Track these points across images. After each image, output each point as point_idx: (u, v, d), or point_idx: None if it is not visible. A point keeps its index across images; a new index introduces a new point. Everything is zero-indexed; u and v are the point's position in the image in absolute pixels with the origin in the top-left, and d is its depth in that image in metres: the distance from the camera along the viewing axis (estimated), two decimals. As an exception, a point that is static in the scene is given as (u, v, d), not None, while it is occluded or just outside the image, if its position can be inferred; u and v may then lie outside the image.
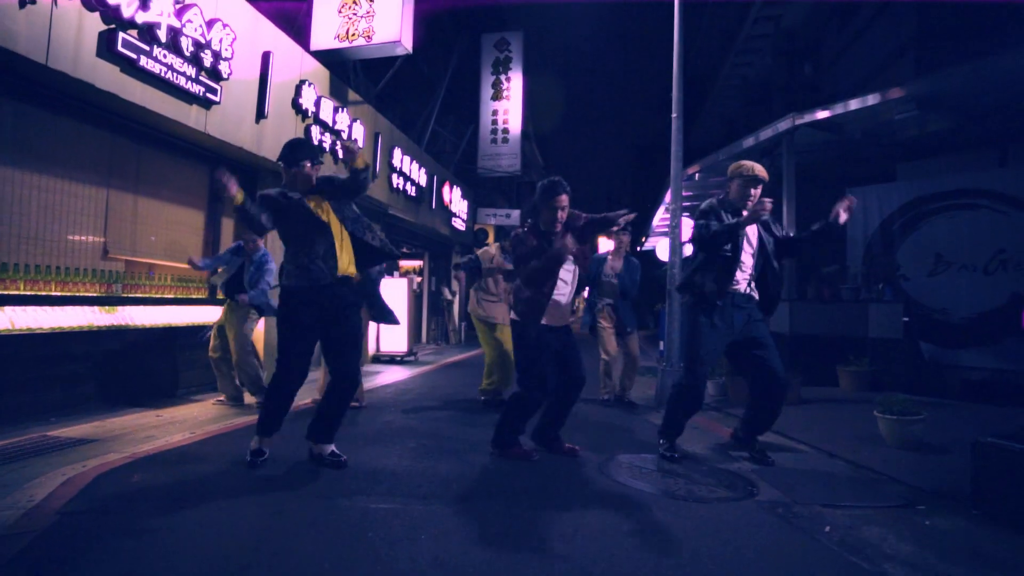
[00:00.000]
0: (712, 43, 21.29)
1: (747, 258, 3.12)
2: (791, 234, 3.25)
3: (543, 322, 3.04)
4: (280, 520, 2.17)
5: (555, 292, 3.05)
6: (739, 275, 3.09)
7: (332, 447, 2.92)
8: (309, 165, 2.84)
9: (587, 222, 3.08)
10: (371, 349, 8.29)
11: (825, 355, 6.02)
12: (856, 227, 7.12)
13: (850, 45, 10.91)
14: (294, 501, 2.38)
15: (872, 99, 5.64)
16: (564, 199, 2.98)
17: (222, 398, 4.68)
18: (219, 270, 4.81)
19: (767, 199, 3.00)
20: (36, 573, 1.71)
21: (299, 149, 2.89)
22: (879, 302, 6.18)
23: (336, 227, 2.89)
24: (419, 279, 11.57)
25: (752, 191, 3.06)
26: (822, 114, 6.17)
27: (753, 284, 3.17)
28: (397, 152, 8.69)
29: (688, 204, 11.72)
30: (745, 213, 3.04)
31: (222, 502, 2.33)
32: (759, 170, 3.07)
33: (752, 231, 3.13)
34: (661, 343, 7.59)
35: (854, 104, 5.82)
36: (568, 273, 3.12)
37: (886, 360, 5.87)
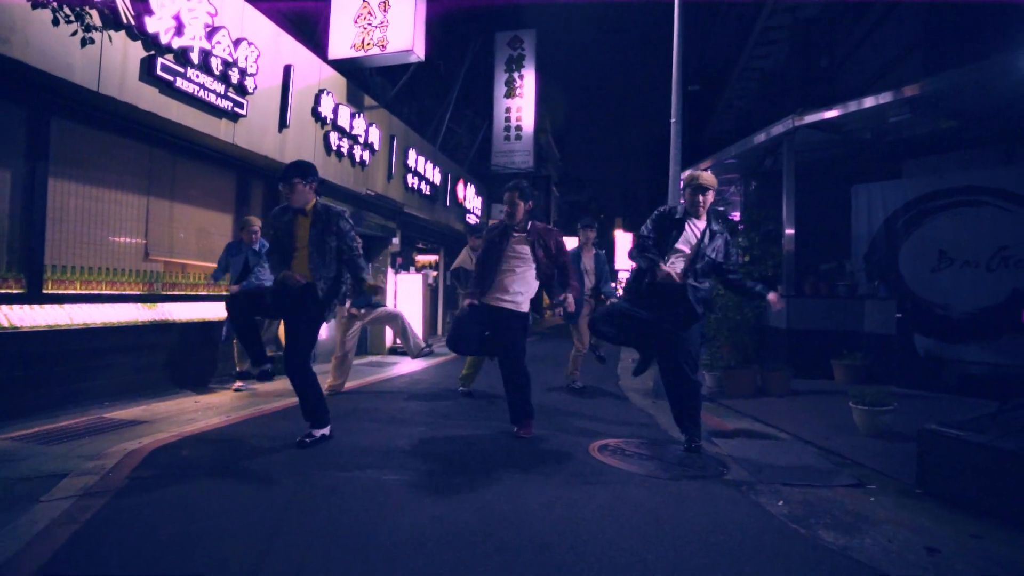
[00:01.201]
0: (729, 34, 21.14)
1: None
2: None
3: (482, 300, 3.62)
4: (306, 487, 2.57)
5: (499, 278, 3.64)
6: None
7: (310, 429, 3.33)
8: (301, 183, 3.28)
9: (555, 257, 3.69)
10: (388, 342, 8.73)
11: (821, 349, 6.24)
12: (860, 224, 7.25)
13: (863, 41, 10.90)
14: (317, 473, 2.77)
15: (868, 102, 5.80)
16: (513, 196, 3.61)
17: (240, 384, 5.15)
18: (227, 276, 5.13)
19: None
20: (121, 520, 2.16)
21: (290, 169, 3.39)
22: (874, 298, 6.36)
23: (302, 243, 3.35)
24: (435, 274, 11.98)
25: (700, 198, 3.34)
26: (824, 115, 6.33)
27: None
28: (412, 153, 9.07)
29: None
30: (696, 220, 3.43)
31: (258, 472, 2.75)
32: (704, 179, 3.37)
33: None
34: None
35: (852, 106, 5.99)
36: (514, 259, 3.63)
37: (880, 354, 6.07)
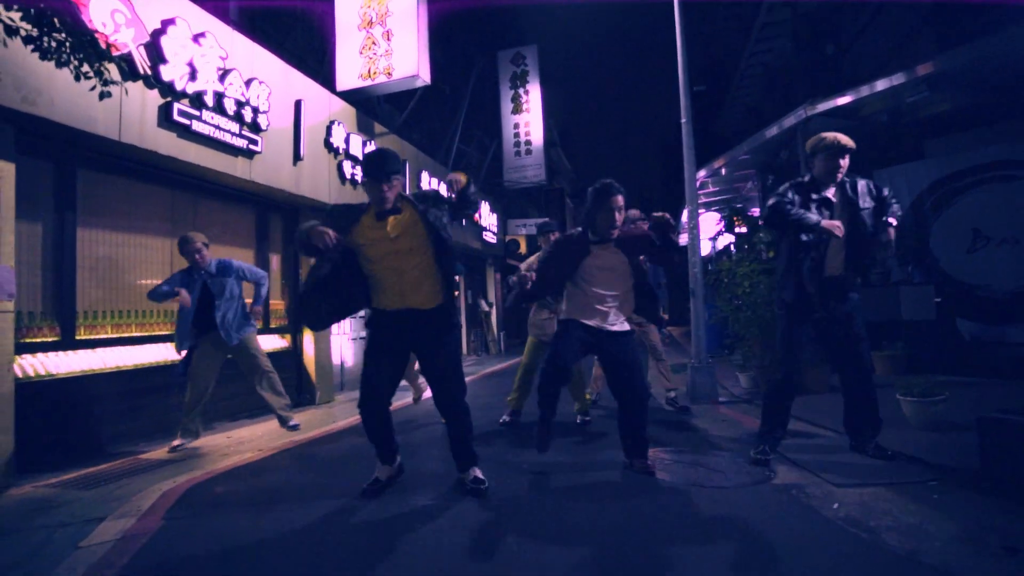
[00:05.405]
0: (730, 33, 21.07)
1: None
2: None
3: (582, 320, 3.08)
4: (344, 516, 2.52)
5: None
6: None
7: (473, 472, 2.87)
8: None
9: (641, 238, 3.03)
10: (413, 364, 8.69)
11: (858, 341, 6.01)
12: (885, 209, 7.05)
13: (867, 26, 10.74)
14: (356, 503, 2.72)
15: (881, 84, 5.67)
16: (619, 199, 2.99)
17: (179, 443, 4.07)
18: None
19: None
20: (160, 561, 2.14)
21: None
22: (909, 284, 6.13)
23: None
24: (456, 293, 11.97)
25: (841, 162, 2.93)
26: (836, 102, 6.20)
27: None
28: (425, 176, 9.15)
29: (715, 199, 11.71)
30: (832, 189, 3.02)
31: (293, 505, 2.71)
32: (844, 139, 2.90)
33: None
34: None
35: (864, 90, 5.86)
36: (607, 275, 3.07)
37: (921, 342, 5.83)
